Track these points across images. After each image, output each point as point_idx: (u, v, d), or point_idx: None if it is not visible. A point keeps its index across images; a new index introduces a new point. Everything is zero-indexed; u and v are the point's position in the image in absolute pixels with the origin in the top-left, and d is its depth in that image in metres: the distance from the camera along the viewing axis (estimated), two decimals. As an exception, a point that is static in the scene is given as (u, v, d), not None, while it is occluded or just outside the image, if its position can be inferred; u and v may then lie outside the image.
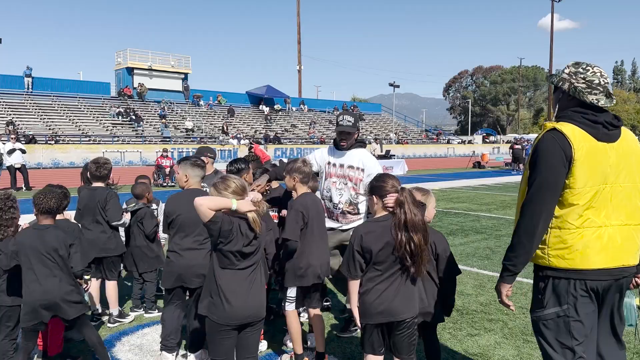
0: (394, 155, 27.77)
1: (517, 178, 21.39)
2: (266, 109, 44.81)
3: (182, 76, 41.94)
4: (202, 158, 4.71)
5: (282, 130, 41.83)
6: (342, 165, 4.50)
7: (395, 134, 47.93)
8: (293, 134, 42.13)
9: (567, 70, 2.53)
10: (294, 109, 47.49)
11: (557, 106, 2.59)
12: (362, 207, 4.46)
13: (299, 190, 3.87)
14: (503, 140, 60.56)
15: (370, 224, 2.99)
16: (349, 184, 4.45)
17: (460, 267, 3.57)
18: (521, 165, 25.56)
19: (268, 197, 4.72)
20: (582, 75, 2.47)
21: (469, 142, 54.92)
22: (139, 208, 4.94)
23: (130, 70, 38.85)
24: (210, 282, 2.95)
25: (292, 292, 3.82)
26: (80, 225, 4.51)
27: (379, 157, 25.95)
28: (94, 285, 4.76)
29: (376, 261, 2.88)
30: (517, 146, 27.65)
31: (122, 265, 5.00)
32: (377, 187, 2.98)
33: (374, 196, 2.99)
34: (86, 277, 4.03)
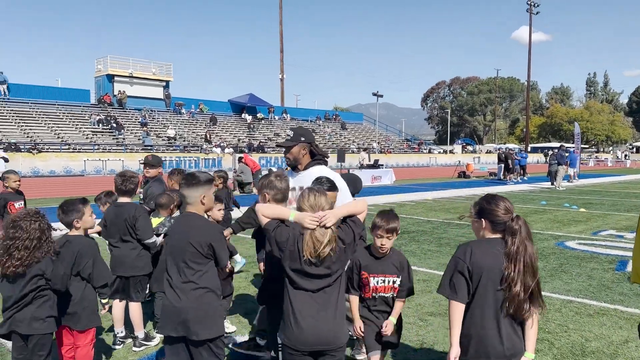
0: (382, 165, 27.70)
1: (507, 188, 21.54)
2: (249, 118, 44.47)
3: (164, 84, 41.36)
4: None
5: (265, 139, 41.52)
6: (301, 189, 3.55)
7: (378, 143, 48.07)
8: (276, 142, 41.83)
9: None
10: (276, 117, 47.25)
11: None
12: None
13: None
14: (482, 150, 61.43)
15: (482, 243, 2.75)
16: None
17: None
18: (511, 176, 25.69)
19: None
20: None
21: (450, 151, 55.45)
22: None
23: (110, 78, 38.10)
24: (284, 302, 2.80)
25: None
26: (107, 242, 4.19)
27: (368, 167, 25.89)
28: (118, 307, 4.44)
29: (481, 284, 2.65)
30: (517, 157, 27.35)
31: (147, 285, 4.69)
32: (489, 210, 2.73)
33: (483, 220, 2.75)
34: (103, 300, 3.70)
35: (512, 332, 2.66)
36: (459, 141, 68.32)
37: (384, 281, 3.39)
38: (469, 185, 24.31)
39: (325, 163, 4.04)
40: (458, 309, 2.65)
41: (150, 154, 8.43)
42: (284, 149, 3.89)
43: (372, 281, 3.37)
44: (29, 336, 3.20)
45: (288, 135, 3.91)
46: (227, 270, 3.45)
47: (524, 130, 72.43)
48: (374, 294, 3.40)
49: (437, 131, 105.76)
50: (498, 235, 2.72)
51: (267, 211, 2.77)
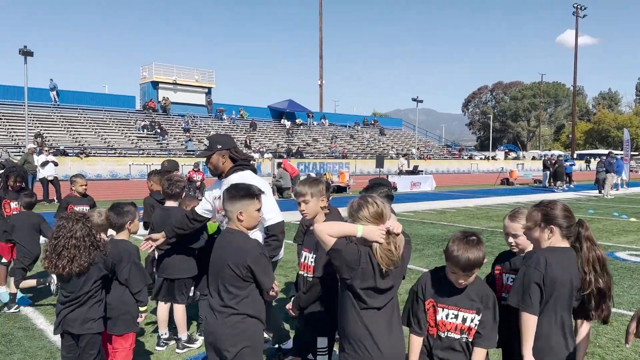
0: (422, 171, 27.34)
1: (554, 196, 20.86)
2: (288, 123, 44.83)
3: (206, 90, 42.26)
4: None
5: (304, 145, 41.74)
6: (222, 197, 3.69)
7: (418, 149, 47.56)
8: (315, 148, 42.00)
9: None
10: (315, 123, 47.46)
11: None
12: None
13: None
14: (525, 157, 59.83)
15: (556, 252, 2.60)
16: None
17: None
18: (558, 183, 24.92)
19: None
20: None
21: (492, 158, 54.27)
22: None
23: (155, 84, 39.23)
24: (348, 327, 2.54)
25: (322, 343, 3.20)
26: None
27: (407, 173, 25.62)
28: (162, 309, 4.53)
29: (556, 296, 2.53)
30: (567, 163, 26.65)
31: (192, 288, 4.76)
32: (559, 216, 2.62)
33: (552, 227, 2.60)
34: (141, 309, 3.69)
35: (572, 343, 2.60)
36: (502, 147, 66.80)
37: (455, 317, 2.64)
38: (513, 192, 23.69)
39: (250, 167, 4.01)
40: (532, 321, 2.51)
41: (166, 159, 8.55)
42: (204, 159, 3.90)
43: (441, 313, 2.67)
44: (80, 336, 3.29)
45: (205, 144, 3.87)
46: (274, 294, 2.92)
47: (570, 136, 70.18)
48: (440, 333, 2.68)
49: (478, 137, 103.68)
50: (566, 243, 2.61)
51: (332, 230, 2.45)
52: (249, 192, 2.96)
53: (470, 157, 52.63)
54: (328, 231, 2.45)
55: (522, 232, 2.80)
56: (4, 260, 5.93)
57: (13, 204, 5.97)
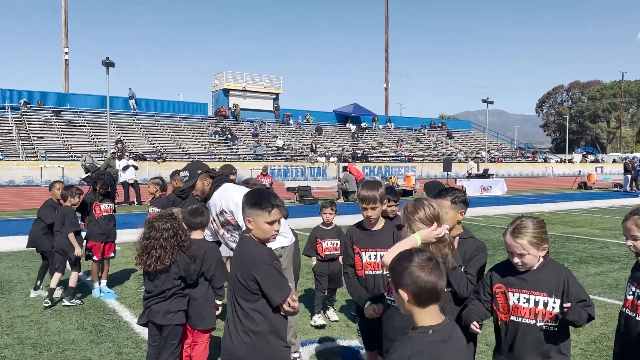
0: (493, 175, 26.52)
1: (637, 200, 19.56)
2: (353, 127, 44.93)
3: (274, 96, 43.25)
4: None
5: (369, 148, 41.66)
6: (217, 215, 4.08)
7: (488, 152, 46.13)
8: (380, 152, 41.82)
9: None
10: (380, 126, 47.23)
11: None
12: None
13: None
14: (604, 159, 56.40)
15: None
16: (231, 226, 4.04)
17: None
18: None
19: None
20: None
21: (569, 161, 51.62)
22: None
23: (226, 92, 40.66)
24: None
25: None
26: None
27: (477, 177, 24.96)
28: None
29: None
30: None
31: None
32: None
33: None
34: (218, 302, 3.96)
35: None
36: (579, 150, 63.37)
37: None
38: (592, 197, 22.47)
39: (228, 179, 4.10)
40: None
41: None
42: (189, 187, 4.03)
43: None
44: (163, 326, 3.55)
45: (185, 176, 4.04)
46: (290, 309, 2.59)
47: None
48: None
49: (553, 139, 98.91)
50: None
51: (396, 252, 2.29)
52: (257, 202, 2.67)
53: (545, 160, 50.31)
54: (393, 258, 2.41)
55: (529, 249, 2.52)
56: (95, 258, 6.43)
57: (102, 206, 6.47)
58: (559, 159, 52.70)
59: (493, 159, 44.22)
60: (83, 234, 6.41)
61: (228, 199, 3.92)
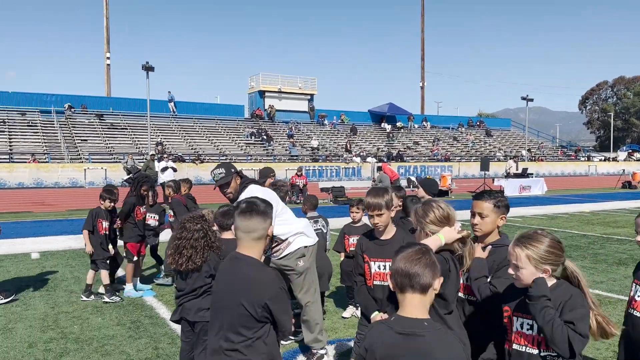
0: (532, 174, 25.91)
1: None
2: (388, 127, 44.69)
3: (308, 97, 43.48)
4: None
5: (405, 148, 41.35)
6: None
7: (529, 150, 45.03)
8: (415, 151, 41.44)
9: None
10: (416, 126, 46.80)
11: None
12: (279, 231, 4.25)
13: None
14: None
15: None
16: None
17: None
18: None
19: None
20: None
21: (613, 159, 49.82)
22: None
23: (261, 93, 41.17)
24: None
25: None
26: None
27: (515, 176, 24.46)
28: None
29: None
30: None
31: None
32: None
33: None
34: None
35: None
36: (625, 148, 61.00)
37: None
38: (636, 196, 21.67)
39: (254, 181, 4.20)
40: None
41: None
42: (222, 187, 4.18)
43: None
44: (195, 323, 3.70)
45: (221, 173, 4.13)
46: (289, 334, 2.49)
47: None
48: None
49: (597, 136, 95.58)
50: None
51: None
52: (261, 209, 2.53)
53: (588, 159, 48.72)
54: None
55: (525, 264, 2.25)
56: (133, 258, 6.71)
57: (142, 209, 6.78)
58: (602, 158, 50.96)
59: (533, 158, 43.15)
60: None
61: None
